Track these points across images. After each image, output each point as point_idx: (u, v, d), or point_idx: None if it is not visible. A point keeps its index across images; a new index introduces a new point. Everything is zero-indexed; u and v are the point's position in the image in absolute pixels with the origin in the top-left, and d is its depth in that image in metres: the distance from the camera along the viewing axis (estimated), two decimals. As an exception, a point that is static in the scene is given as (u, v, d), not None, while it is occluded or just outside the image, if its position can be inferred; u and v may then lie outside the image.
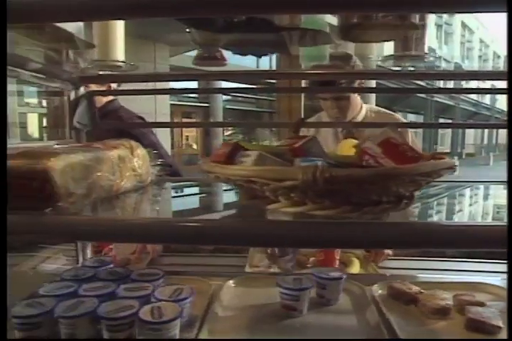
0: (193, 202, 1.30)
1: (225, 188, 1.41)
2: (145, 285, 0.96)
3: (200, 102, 13.83)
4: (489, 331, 0.89)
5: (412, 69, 1.22)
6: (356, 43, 1.12)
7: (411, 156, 0.66)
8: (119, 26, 1.07)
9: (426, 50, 0.99)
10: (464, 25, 22.51)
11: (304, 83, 1.72)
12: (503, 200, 1.12)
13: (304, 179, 0.56)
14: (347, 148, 0.90)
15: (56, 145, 0.81)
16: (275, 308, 1.00)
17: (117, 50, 1.09)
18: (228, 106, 14.53)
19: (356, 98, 1.86)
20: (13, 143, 1.05)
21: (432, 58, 1.02)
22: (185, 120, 13.78)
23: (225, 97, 14.22)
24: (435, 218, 0.98)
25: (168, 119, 8.59)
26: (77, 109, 1.22)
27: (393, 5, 0.56)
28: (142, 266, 1.36)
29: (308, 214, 0.63)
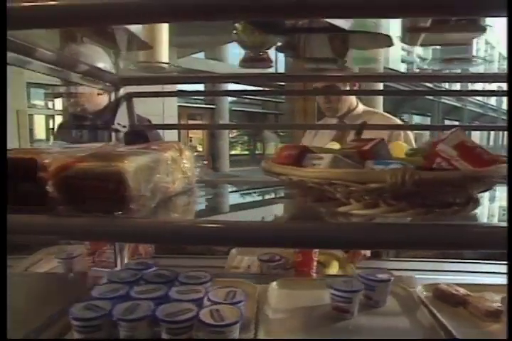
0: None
1: (230, 190, 1.42)
2: (197, 288, 0.96)
3: (206, 104, 13.86)
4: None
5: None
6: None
7: (488, 159, 0.65)
8: (164, 28, 1.08)
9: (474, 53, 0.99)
10: (468, 26, 22.33)
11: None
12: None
13: (393, 181, 0.56)
14: (398, 151, 0.89)
15: (121, 148, 0.81)
16: (326, 310, 0.99)
17: (162, 52, 1.09)
18: (234, 108, 14.55)
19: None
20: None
21: (480, 60, 1.02)
22: (190, 122, 13.82)
23: (230, 99, 14.23)
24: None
25: (175, 121, 8.61)
26: (117, 110, 1.22)
27: (400, 10, 0.55)
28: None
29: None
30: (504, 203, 1.14)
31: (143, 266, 1.13)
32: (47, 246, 1.49)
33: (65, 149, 0.80)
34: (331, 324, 0.95)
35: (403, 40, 0.79)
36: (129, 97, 1.25)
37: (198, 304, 0.89)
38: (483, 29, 0.75)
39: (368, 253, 1.54)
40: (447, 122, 16.55)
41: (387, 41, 0.82)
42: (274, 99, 15.75)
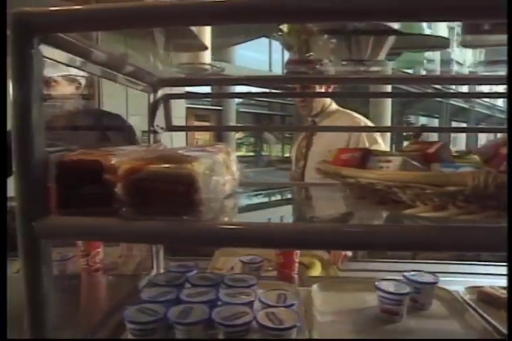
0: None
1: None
2: (246, 290, 0.96)
3: (212, 105, 13.86)
4: None
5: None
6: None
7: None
8: (207, 30, 1.08)
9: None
10: (474, 27, 22.32)
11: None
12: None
13: (475, 184, 0.55)
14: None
15: (181, 150, 0.81)
16: (374, 313, 0.99)
17: (205, 53, 1.09)
18: (241, 110, 14.56)
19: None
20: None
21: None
22: (197, 123, 13.82)
23: (237, 100, 14.22)
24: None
25: (183, 123, 8.61)
26: (156, 111, 1.22)
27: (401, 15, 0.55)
28: (129, 270, 1.33)
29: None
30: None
31: (185, 268, 1.13)
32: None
33: (122, 151, 0.80)
34: (381, 326, 0.94)
35: (463, 42, 0.78)
36: (167, 99, 1.25)
37: (250, 307, 0.89)
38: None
39: (349, 254, 1.56)
40: (454, 124, 16.48)
41: (443, 43, 0.81)
42: (279, 101, 15.77)
